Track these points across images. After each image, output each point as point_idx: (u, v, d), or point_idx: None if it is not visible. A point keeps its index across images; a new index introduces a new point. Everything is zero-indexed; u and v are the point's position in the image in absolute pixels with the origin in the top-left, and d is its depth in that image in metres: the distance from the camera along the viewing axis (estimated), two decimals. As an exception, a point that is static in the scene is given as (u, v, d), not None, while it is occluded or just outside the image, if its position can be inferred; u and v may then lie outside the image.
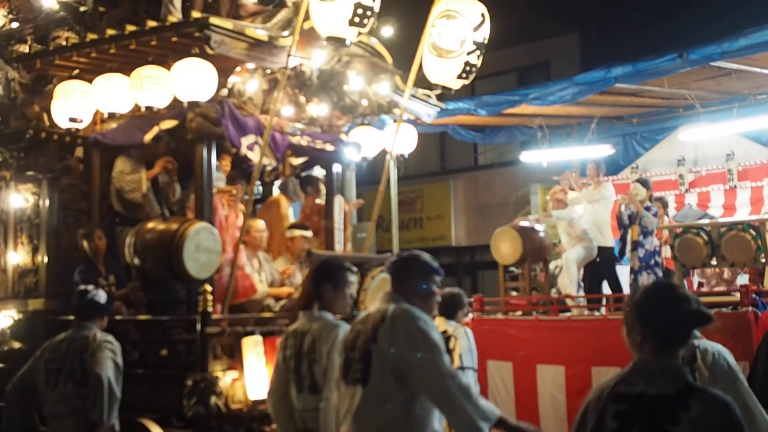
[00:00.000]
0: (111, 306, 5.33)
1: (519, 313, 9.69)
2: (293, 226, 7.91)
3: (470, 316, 8.68)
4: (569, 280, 9.91)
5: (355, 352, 3.63)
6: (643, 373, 2.60)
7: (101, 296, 5.27)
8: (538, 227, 10.49)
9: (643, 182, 9.87)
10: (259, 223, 7.60)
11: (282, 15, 6.96)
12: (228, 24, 6.41)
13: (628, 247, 9.82)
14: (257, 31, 6.63)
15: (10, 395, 5.26)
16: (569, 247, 10.09)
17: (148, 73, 6.62)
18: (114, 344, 5.07)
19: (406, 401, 3.49)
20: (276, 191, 8.99)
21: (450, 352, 6.64)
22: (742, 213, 11.66)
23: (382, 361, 3.50)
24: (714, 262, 8.80)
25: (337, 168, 8.53)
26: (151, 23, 6.53)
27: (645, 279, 9.31)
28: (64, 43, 7.51)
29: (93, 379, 4.90)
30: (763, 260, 8.50)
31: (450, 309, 6.79)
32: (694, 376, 4.52)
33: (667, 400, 2.51)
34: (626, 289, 9.93)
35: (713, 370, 4.60)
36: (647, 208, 9.59)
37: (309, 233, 7.87)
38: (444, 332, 6.46)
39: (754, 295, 7.99)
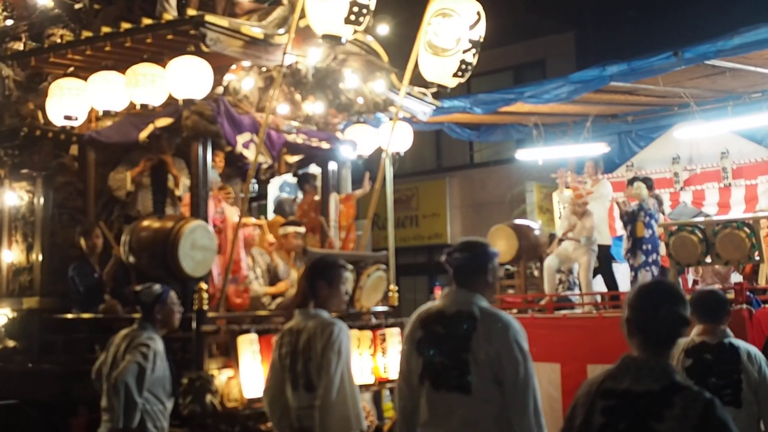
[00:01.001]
0: (157, 301, 5.17)
1: (515, 311, 9.70)
2: (286, 223, 7.90)
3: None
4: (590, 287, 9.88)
5: (443, 357, 3.55)
6: (630, 370, 2.62)
7: (147, 294, 5.18)
8: (534, 225, 10.50)
9: (646, 180, 9.88)
10: (251, 220, 7.60)
11: (277, 13, 6.95)
12: (223, 22, 6.40)
13: (626, 244, 9.78)
14: (253, 29, 6.62)
15: (93, 382, 5.33)
16: (575, 250, 9.97)
17: (143, 70, 6.61)
18: (149, 347, 4.96)
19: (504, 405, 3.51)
20: (271, 214, 9.01)
21: None
22: (737, 211, 11.70)
23: (481, 369, 3.46)
24: (709, 259, 8.82)
25: (332, 166, 8.53)
26: (147, 21, 6.52)
27: (643, 276, 9.32)
28: (59, 40, 7.50)
29: (114, 383, 4.91)
30: (758, 258, 8.53)
31: None
32: (740, 377, 4.45)
33: (652, 397, 2.53)
34: (623, 287, 9.94)
35: (760, 372, 4.48)
36: (645, 198, 9.59)
37: (302, 229, 7.86)
38: None
39: (748, 293, 8.02)
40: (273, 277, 7.54)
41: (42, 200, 7.56)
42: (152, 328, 5.10)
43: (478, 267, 3.67)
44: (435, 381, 3.59)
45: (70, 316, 7.17)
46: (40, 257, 7.52)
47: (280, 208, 9.14)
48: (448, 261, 3.71)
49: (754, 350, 4.58)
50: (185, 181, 7.38)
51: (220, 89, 7.04)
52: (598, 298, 9.95)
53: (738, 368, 4.44)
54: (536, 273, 10.72)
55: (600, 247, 10.07)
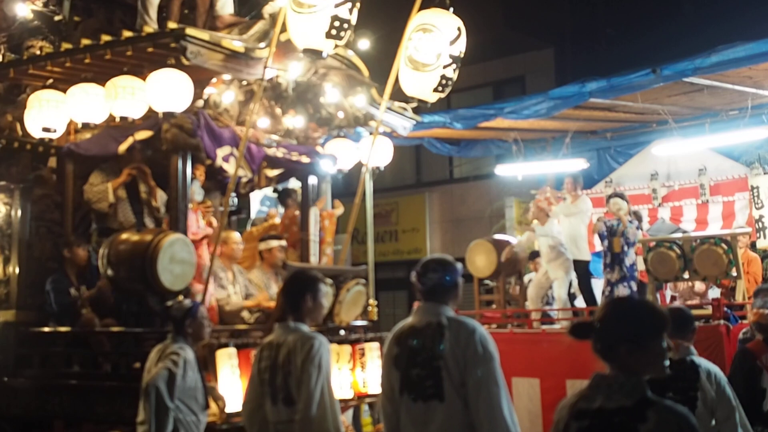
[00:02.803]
0: (187, 315, 5.32)
1: (494, 325, 9.71)
2: (268, 237, 7.88)
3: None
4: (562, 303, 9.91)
5: (418, 369, 3.69)
6: (601, 388, 2.61)
7: (178, 309, 5.36)
8: (513, 240, 10.53)
9: (621, 196, 9.98)
10: (236, 235, 7.57)
11: (259, 27, 6.95)
12: (204, 35, 6.39)
13: (608, 259, 9.85)
14: (234, 42, 6.62)
15: None
16: (550, 260, 10.04)
17: (123, 83, 6.58)
18: (179, 354, 5.10)
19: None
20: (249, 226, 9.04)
21: None
22: (714, 227, 11.80)
23: (452, 375, 3.60)
24: (686, 275, 8.88)
25: (312, 180, 8.50)
26: (127, 33, 6.50)
27: (621, 291, 9.36)
28: (38, 52, 7.46)
29: (144, 388, 5.03)
30: (734, 274, 8.59)
31: None
32: (696, 395, 4.47)
33: (626, 414, 2.52)
34: (600, 302, 9.98)
35: (718, 392, 4.51)
36: (629, 222, 9.67)
37: (284, 243, 7.85)
38: None
39: (725, 309, 8.08)
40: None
41: (19, 213, 7.50)
42: (184, 340, 5.26)
43: (450, 284, 3.84)
44: (413, 393, 3.71)
45: (46, 329, 7.10)
46: (17, 270, 7.45)
47: (254, 225, 9.22)
48: (421, 281, 3.84)
49: (715, 370, 4.61)
50: (162, 194, 7.35)
51: (200, 102, 7.02)
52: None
53: (695, 386, 4.48)
54: (517, 289, 10.76)
55: (579, 262, 10.11)
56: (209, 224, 7.32)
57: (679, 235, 9.68)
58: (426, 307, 3.82)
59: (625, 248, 9.47)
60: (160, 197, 7.40)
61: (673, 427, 2.47)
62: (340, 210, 9.08)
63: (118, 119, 6.76)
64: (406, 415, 3.74)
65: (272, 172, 8.55)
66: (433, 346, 3.66)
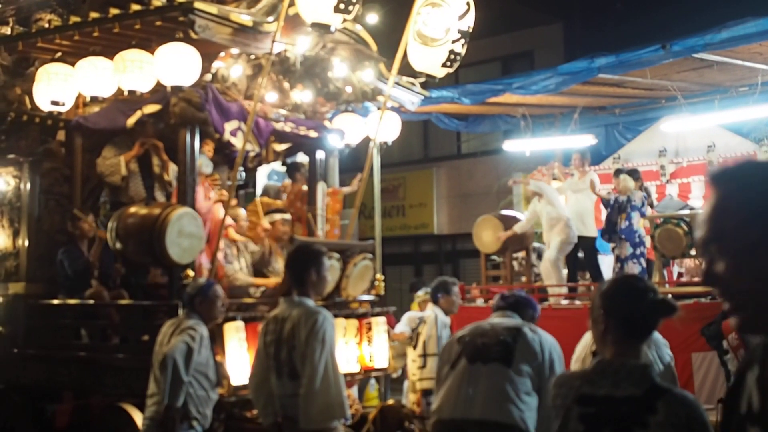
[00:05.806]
0: (198, 294, 5.40)
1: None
2: (273, 211, 7.90)
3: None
4: (557, 278, 9.91)
5: (485, 338, 4.00)
6: (607, 374, 2.57)
7: (191, 287, 5.46)
8: (520, 216, 10.54)
9: (632, 172, 9.94)
10: (242, 212, 7.60)
11: (267, 0, 6.93)
12: (212, 9, 6.37)
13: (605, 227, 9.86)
14: (242, 16, 6.60)
15: None
16: (548, 233, 10.06)
17: (131, 56, 6.58)
18: (196, 330, 5.19)
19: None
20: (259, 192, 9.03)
21: (418, 335, 7.08)
22: (722, 204, 11.76)
23: (524, 358, 3.95)
24: (694, 252, 8.88)
25: (320, 155, 8.52)
26: (135, 7, 6.48)
27: (630, 268, 9.37)
28: (46, 25, 7.45)
29: (162, 359, 5.08)
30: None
31: (435, 294, 7.09)
32: None
33: (634, 403, 2.49)
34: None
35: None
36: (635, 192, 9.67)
37: (288, 216, 7.87)
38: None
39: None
40: (266, 264, 7.55)
41: (28, 186, 7.53)
42: (197, 317, 5.32)
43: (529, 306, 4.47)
44: (475, 354, 3.96)
45: (55, 301, 7.16)
46: (26, 243, 7.50)
47: (266, 192, 9.16)
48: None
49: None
50: (174, 167, 7.37)
51: (208, 76, 7.01)
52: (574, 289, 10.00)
53: None
54: (522, 257, 10.78)
55: (586, 238, 10.12)
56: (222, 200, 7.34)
57: (686, 211, 9.67)
58: (505, 314, 4.27)
59: (628, 210, 9.48)
60: (172, 171, 7.42)
61: (682, 420, 2.45)
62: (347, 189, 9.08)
63: (126, 93, 6.76)
64: (460, 377, 3.94)
65: (280, 147, 8.56)
66: (505, 332, 4.08)
